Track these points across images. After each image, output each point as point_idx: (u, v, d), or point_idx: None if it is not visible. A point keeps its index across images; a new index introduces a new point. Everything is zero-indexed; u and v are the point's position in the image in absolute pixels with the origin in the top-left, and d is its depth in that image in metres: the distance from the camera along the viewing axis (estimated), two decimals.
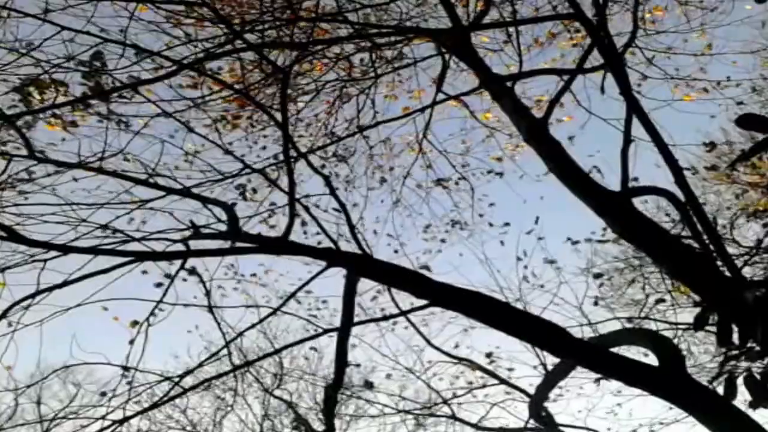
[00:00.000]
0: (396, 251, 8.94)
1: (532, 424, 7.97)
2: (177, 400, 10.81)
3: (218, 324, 6.70)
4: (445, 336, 8.37)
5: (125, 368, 6.25)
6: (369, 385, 8.75)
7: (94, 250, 5.19)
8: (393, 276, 5.83)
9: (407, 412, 9.32)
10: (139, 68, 5.92)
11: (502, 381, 8.53)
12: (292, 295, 6.37)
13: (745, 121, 3.49)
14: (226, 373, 6.97)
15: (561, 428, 8.12)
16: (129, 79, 6.00)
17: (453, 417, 9.01)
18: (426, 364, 8.95)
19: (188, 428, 11.86)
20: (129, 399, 6.28)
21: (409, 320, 7.53)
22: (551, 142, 6.25)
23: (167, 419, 11.87)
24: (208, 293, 6.62)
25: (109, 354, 6.00)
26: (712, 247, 5.21)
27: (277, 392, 11.46)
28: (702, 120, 9.37)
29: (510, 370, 8.68)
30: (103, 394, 6.89)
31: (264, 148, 8.68)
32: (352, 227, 6.14)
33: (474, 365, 8.60)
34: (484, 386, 8.96)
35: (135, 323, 6.61)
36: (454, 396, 8.99)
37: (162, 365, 7.74)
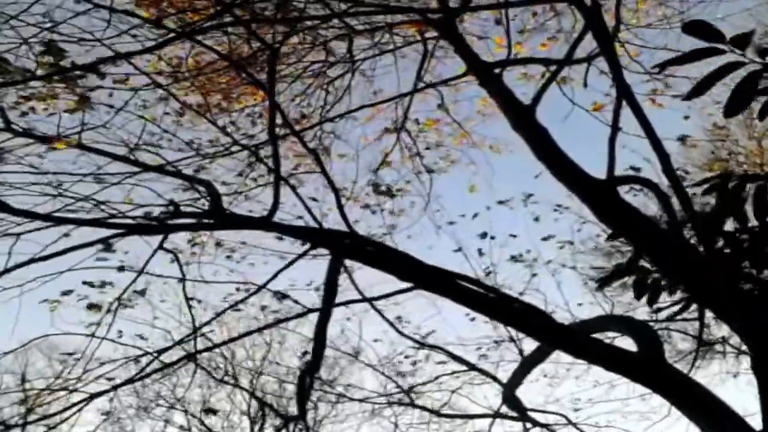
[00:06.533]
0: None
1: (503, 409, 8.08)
2: (165, 378, 10.69)
3: (188, 304, 6.66)
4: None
5: (92, 336, 6.20)
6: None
7: (81, 221, 5.09)
8: (379, 257, 5.80)
9: (362, 400, 9.27)
10: (129, 39, 5.80)
11: (471, 367, 8.55)
12: (276, 275, 6.30)
13: (692, 28, 3.40)
14: (186, 357, 6.89)
15: (529, 413, 8.23)
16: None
17: (412, 405, 9.00)
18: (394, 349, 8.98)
19: (177, 406, 11.75)
20: (98, 375, 6.24)
21: (374, 307, 7.40)
22: (538, 130, 6.28)
23: (156, 397, 11.76)
24: (182, 273, 6.57)
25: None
26: (695, 237, 5.30)
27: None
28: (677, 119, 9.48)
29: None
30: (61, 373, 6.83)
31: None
32: (341, 206, 6.10)
33: (443, 351, 8.59)
34: (451, 373, 8.97)
35: (92, 306, 6.54)
36: (415, 385, 8.98)
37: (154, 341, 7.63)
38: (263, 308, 7.96)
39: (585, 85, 7.91)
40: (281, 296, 7.06)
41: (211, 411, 11.58)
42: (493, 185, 9.52)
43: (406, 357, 9.03)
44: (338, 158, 9.32)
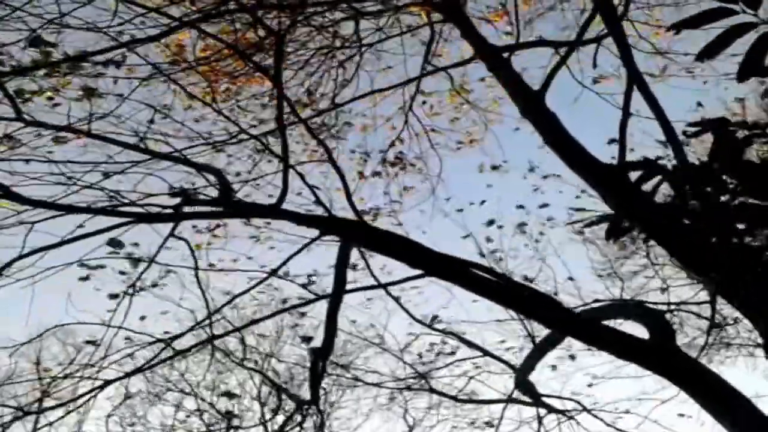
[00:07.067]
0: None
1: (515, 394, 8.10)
2: (175, 364, 10.84)
3: (202, 290, 6.69)
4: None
5: (106, 324, 6.25)
6: None
7: (92, 210, 5.11)
8: (388, 244, 5.79)
9: (377, 385, 9.29)
10: (132, 26, 5.79)
11: (485, 353, 8.55)
12: (285, 261, 6.35)
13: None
14: (204, 342, 6.95)
15: (543, 399, 8.24)
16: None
17: (430, 390, 9.04)
18: (407, 335, 8.99)
19: (187, 390, 11.89)
20: (111, 361, 6.30)
21: (388, 293, 7.42)
22: (547, 115, 6.22)
23: (166, 382, 11.89)
24: (195, 260, 6.60)
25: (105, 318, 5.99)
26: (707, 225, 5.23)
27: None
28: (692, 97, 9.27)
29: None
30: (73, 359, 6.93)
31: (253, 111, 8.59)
32: (348, 194, 6.08)
33: (456, 337, 8.59)
34: (464, 359, 8.97)
35: (113, 296, 6.58)
36: (430, 370, 8.99)
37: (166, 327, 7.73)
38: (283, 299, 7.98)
39: (594, 65, 7.81)
40: (307, 283, 7.10)
41: (229, 395, 11.67)
42: (503, 166, 9.46)
43: (432, 344, 9.02)
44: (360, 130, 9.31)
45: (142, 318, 7.22)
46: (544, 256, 8.80)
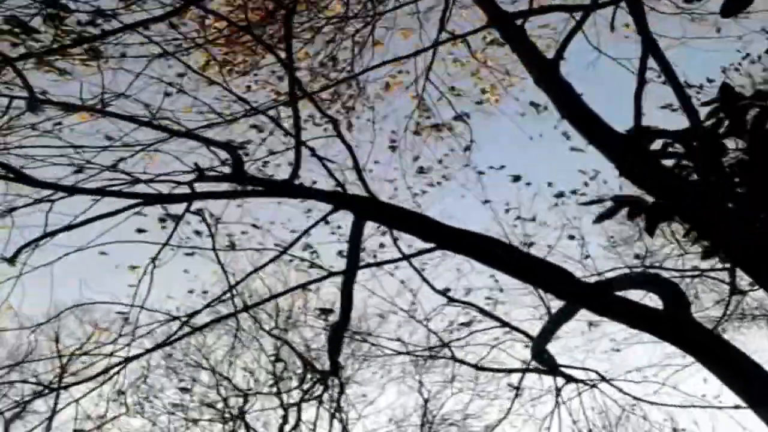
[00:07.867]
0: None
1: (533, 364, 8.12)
2: (193, 340, 11.03)
3: (222, 267, 6.75)
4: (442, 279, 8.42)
5: (131, 305, 6.34)
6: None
7: (102, 192, 5.15)
8: (400, 219, 5.79)
9: (408, 353, 9.37)
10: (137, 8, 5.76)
11: (504, 323, 8.56)
12: (299, 238, 6.36)
13: None
14: (228, 315, 7.04)
15: (561, 369, 8.24)
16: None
17: (453, 358, 9.10)
18: (426, 306, 9.01)
19: (203, 365, 12.14)
20: (134, 338, 6.39)
21: (411, 264, 7.43)
22: (562, 84, 6.09)
23: (184, 357, 12.13)
24: (212, 236, 6.65)
25: (121, 295, 6.09)
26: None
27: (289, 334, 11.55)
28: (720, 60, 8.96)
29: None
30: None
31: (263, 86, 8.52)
32: (359, 170, 6.06)
33: (476, 308, 8.59)
34: (483, 329, 8.98)
35: (134, 268, 6.65)
36: (452, 339, 9.03)
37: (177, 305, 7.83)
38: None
39: (612, 29, 7.61)
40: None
41: (278, 359, 11.90)
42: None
43: (462, 313, 9.03)
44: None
45: (186, 271, 7.43)
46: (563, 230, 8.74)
